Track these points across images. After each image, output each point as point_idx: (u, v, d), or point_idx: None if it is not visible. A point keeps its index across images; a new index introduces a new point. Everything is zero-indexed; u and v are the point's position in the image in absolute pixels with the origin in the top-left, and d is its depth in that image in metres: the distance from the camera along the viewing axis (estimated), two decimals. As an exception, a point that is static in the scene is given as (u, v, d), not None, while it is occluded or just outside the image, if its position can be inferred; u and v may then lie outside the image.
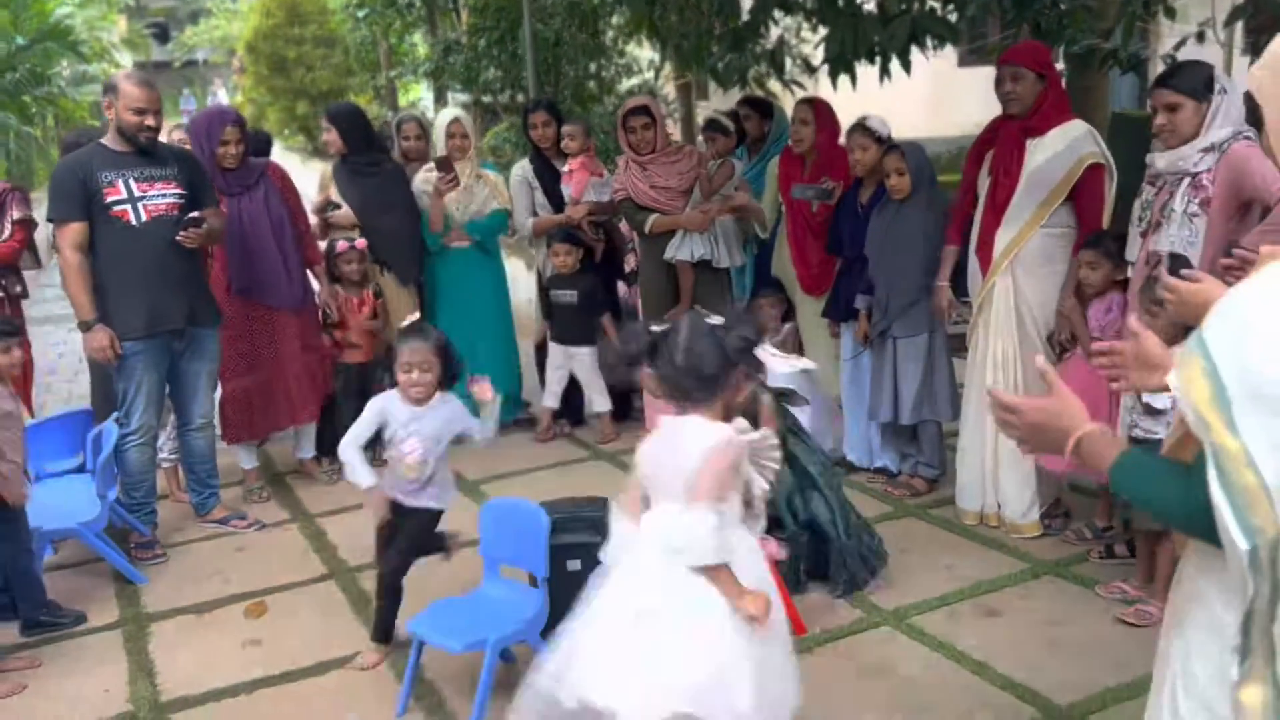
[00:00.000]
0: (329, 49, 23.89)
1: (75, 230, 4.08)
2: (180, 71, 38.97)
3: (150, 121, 4.14)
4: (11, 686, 3.36)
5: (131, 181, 4.13)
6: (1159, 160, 3.61)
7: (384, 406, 3.37)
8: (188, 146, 4.90)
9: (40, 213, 5.00)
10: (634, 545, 2.38)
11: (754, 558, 2.44)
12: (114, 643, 3.67)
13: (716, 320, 2.45)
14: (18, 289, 4.99)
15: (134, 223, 4.12)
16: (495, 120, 14.29)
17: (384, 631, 3.42)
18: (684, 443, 2.30)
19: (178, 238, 4.15)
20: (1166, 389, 1.65)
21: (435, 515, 3.43)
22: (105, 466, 4.08)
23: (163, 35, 40.78)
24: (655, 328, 2.44)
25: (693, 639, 2.24)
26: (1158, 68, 10.09)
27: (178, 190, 4.23)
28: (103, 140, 4.24)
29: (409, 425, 3.32)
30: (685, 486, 2.26)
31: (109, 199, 4.09)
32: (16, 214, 4.91)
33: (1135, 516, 3.51)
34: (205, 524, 4.66)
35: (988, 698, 3.05)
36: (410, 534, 3.38)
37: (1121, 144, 6.66)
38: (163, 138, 4.44)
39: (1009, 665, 3.19)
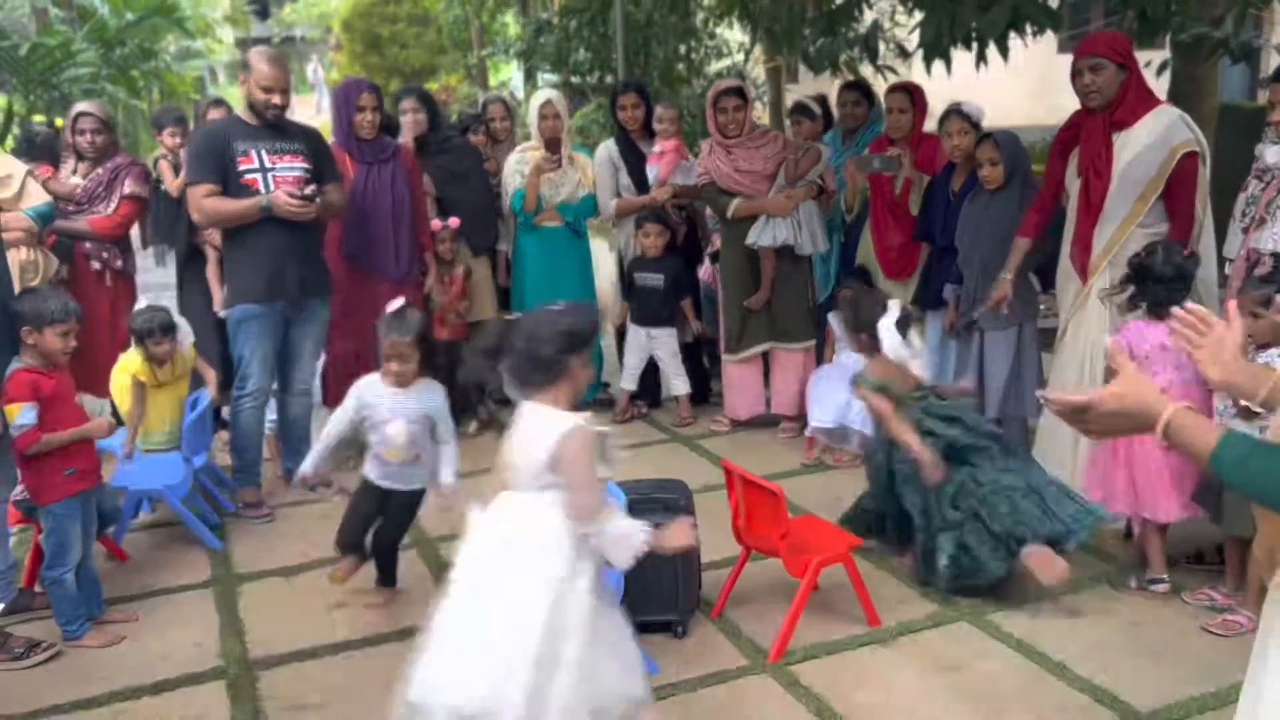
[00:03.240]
0: (423, 27, 24.23)
1: (207, 188, 4.28)
2: (279, 48, 39.87)
3: (277, 100, 4.33)
4: (110, 638, 3.52)
5: (264, 153, 4.33)
6: (1269, 154, 3.48)
7: (362, 393, 3.53)
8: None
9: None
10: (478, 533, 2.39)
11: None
12: (205, 601, 3.82)
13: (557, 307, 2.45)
14: (118, 264, 5.09)
15: (263, 193, 4.30)
16: (583, 101, 14.35)
17: (355, 547, 3.62)
18: (535, 432, 2.32)
19: (294, 204, 4.26)
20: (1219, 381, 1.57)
21: (420, 495, 3.63)
22: (192, 431, 4.22)
23: (263, 12, 41.75)
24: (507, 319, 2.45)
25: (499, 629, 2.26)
26: (1271, 58, 9.69)
27: (304, 164, 4.41)
28: (237, 112, 4.49)
29: (393, 407, 3.48)
30: (535, 474, 2.30)
31: (241, 167, 4.30)
32: (127, 189, 5.05)
33: (1228, 522, 3.40)
34: (295, 490, 4.80)
35: (1066, 700, 2.99)
36: (396, 516, 3.64)
37: (1230, 136, 6.41)
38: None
39: (1090, 668, 3.12)
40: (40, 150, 5.28)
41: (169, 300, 4.84)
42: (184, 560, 4.15)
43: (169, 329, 4.36)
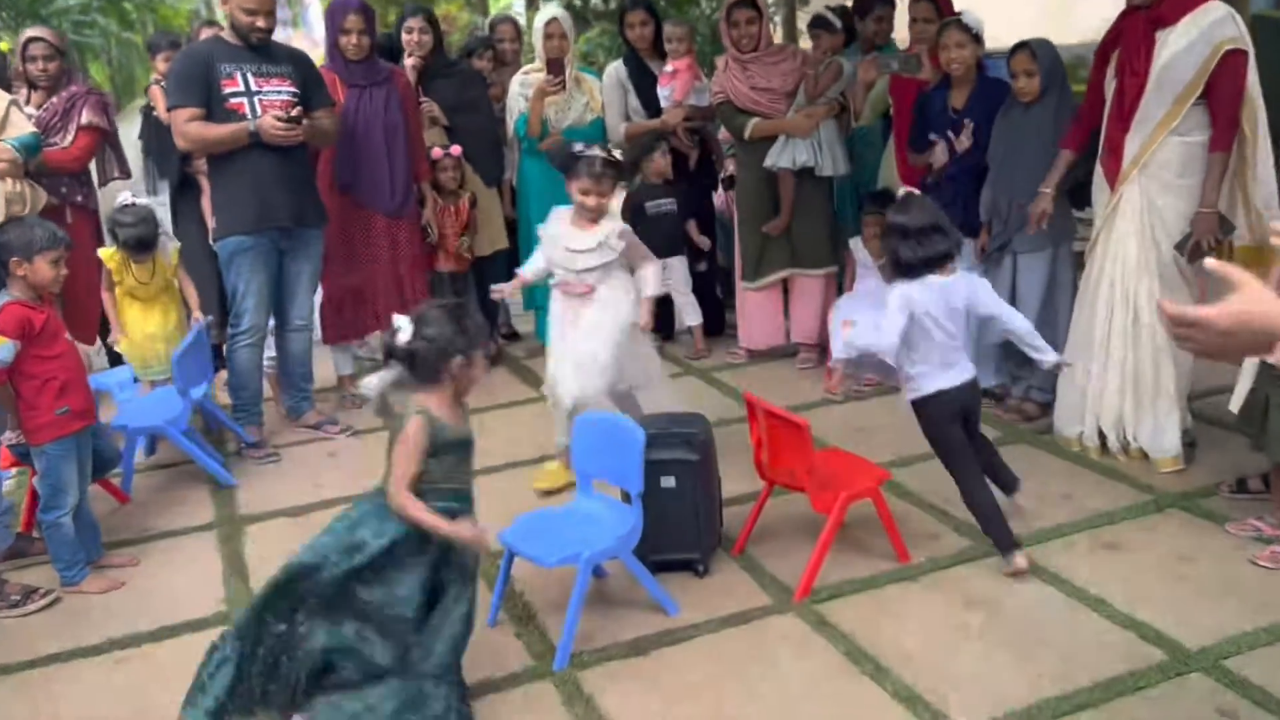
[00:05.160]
0: (421, -47, 23.55)
1: (190, 112, 4.09)
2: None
3: (261, 23, 4.12)
4: (110, 583, 3.41)
5: (249, 75, 4.13)
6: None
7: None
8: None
9: (126, 122, 4.96)
10: None
11: None
12: (209, 543, 3.70)
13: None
14: (78, 198, 4.82)
15: (249, 117, 4.11)
16: (586, 26, 13.95)
17: None
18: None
19: (280, 127, 4.06)
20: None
21: None
22: (184, 362, 4.06)
23: (258, -58, 40.83)
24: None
25: None
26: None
27: (292, 88, 4.22)
28: (221, 34, 4.25)
29: None
30: None
31: (226, 90, 4.10)
32: (84, 119, 4.77)
33: (1273, 449, 3.22)
34: (299, 428, 4.67)
35: (1106, 636, 2.85)
36: None
37: (1265, 48, 6.10)
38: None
39: (1131, 603, 2.97)
40: None
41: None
42: (187, 502, 4.04)
43: (145, 245, 4.21)
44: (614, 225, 3.68)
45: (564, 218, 3.73)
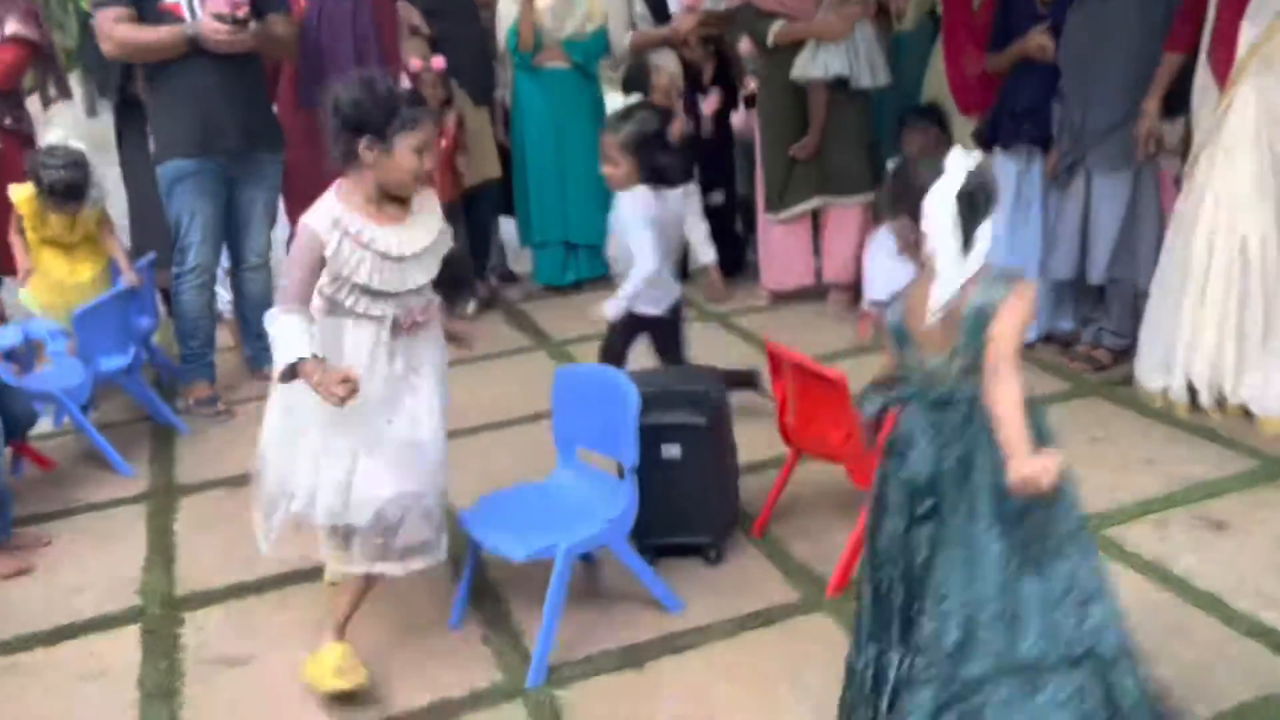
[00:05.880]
0: None
1: (118, 11, 3.53)
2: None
3: None
4: (16, 565, 2.91)
5: None
6: None
7: None
8: None
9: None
10: None
11: None
12: (136, 519, 3.19)
13: None
14: (7, 121, 4.27)
15: (188, 20, 3.56)
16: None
17: None
18: None
19: (223, 30, 3.50)
20: None
21: None
22: (90, 323, 3.49)
23: None
24: None
25: None
26: None
27: None
28: None
29: None
30: None
31: None
32: (9, 30, 4.19)
33: None
34: (258, 380, 4.13)
35: (1222, 645, 2.28)
36: None
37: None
38: None
39: (1251, 601, 2.40)
40: None
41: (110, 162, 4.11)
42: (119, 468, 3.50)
43: (73, 192, 3.63)
44: (434, 204, 2.39)
45: (358, 212, 2.25)
